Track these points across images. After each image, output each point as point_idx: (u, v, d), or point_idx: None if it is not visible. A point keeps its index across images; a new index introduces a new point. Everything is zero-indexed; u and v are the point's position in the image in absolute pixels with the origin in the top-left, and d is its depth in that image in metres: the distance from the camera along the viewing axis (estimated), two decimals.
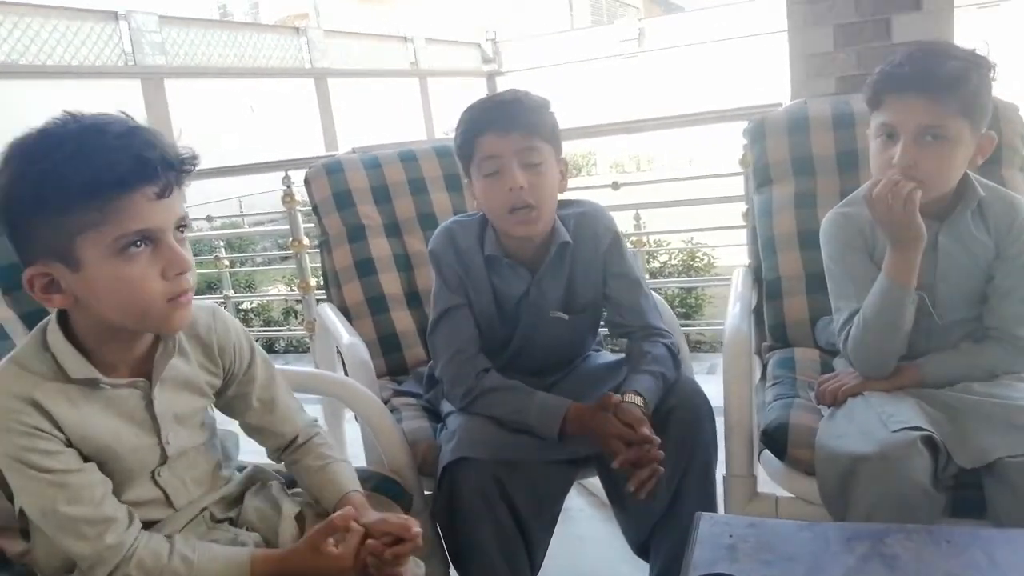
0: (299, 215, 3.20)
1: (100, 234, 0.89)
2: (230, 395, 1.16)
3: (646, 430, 1.24)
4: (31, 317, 1.28)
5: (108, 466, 1.00)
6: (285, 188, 3.11)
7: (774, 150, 1.76)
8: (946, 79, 1.23)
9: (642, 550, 1.50)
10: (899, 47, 1.43)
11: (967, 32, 1.94)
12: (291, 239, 3.21)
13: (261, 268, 6.49)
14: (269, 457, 1.23)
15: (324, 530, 1.00)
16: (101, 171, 0.87)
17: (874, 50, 2.00)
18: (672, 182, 4.30)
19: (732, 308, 1.53)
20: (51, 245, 0.91)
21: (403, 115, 16.14)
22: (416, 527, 1.04)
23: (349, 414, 2.00)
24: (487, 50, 19.71)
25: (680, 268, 4.60)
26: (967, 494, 1.15)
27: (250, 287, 6.11)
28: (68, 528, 0.95)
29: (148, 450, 1.04)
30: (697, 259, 4.67)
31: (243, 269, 5.84)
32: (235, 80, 12.56)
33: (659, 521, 1.40)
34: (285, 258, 6.36)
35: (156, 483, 1.06)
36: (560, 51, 18.87)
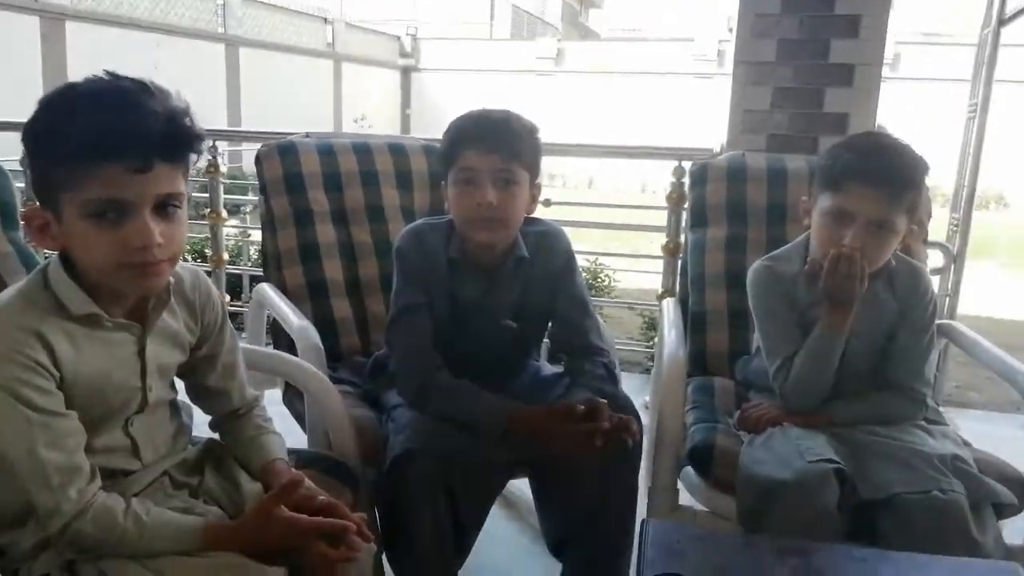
0: (220, 187, 3.13)
1: (73, 195, 0.94)
2: (201, 355, 1.19)
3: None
4: (29, 256, 1.28)
5: (90, 409, 1.02)
6: (210, 158, 3.04)
7: (713, 194, 1.91)
8: (906, 181, 1.40)
9: (558, 548, 1.59)
10: (853, 139, 1.52)
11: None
12: (208, 211, 3.14)
13: None
14: (209, 425, 1.26)
15: (277, 496, 1.04)
16: (72, 138, 0.91)
17: (806, 116, 2.20)
18: (591, 207, 4.52)
19: (668, 335, 1.65)
20: (45, 192, 0.96)
21: (313, 97, 15.78)
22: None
23: (270, 396, 1.99)
24: (406, 45, 19.56)
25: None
26: (861, 522, 1.30)
27: None
28: (38, 473, 0.95)
29: (131, 392, 1.07)
30: (599, 279, 4.86)
31: None
32: (142, 33, 11.92)
33: (581, 521, 1.49)
34: None
35: (127, 432, 1.08)
36: (478, 58, 18.98)
